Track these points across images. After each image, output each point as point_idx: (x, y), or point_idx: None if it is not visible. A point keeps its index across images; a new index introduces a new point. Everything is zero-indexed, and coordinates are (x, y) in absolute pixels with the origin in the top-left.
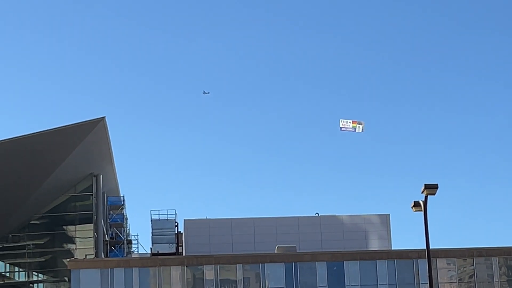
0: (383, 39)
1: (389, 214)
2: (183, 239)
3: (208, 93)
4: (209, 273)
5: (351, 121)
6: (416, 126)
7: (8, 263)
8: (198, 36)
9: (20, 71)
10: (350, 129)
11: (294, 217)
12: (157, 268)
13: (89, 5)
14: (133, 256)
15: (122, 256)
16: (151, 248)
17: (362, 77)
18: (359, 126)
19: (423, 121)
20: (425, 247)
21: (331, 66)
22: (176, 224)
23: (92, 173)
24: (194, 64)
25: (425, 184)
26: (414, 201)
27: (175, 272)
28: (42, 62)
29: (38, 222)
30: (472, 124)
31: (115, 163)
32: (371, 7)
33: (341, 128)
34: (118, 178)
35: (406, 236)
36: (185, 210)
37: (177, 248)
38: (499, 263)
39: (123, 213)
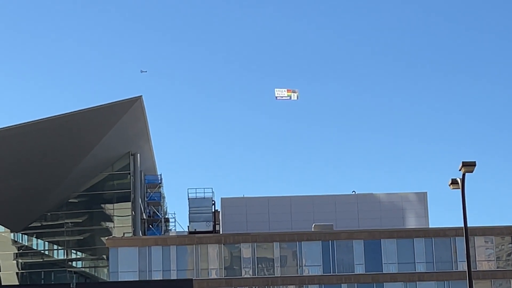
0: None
1: (426, 192)
2: (220, 217)
3: (146, 71)
4: (246, 251)
5: (285, 90)
6: (455, 102)
7: (47, 241)
8: (238, 13)
9: (57, 51)
10: (285, 98)
11: (331, 195)
12: (194, 246)
13: None
14: (170, 234)
15: (159, 234)
16: (188, 226)
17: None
18: (294, 94)
19: (461, 97)
20: (463, 225)
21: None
22: (213, 202)
23: (129, 151)
24: (229, 40)
25: (462, 162)
26: (452, 179)
27: (212, 250)
28: (79, 41)
29: (76, 201)
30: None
31: (152, 141)
32: None
33: (276, 97)
34: (155, 157)
35: (443, 214)
36: (222, 188)
37: (214, 226)
38: None
39: (160, 192)
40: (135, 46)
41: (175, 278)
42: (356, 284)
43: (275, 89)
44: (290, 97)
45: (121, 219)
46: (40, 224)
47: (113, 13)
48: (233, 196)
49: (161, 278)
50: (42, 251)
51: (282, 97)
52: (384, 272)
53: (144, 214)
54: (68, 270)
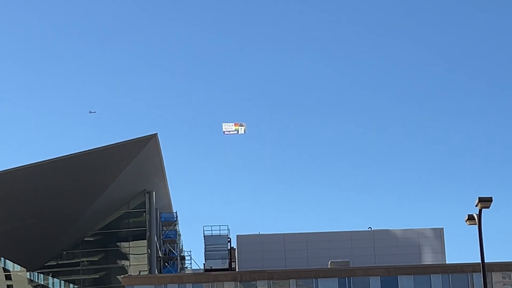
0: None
1: (443, 228)
2: (236, 254)
3: (94, 112)
4: None
5: (233, 124)
6: (472, 138)
7: (62, 280)
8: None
9: (73, 89)
10: (233, 132)
11: (347, 231)
12: (210, 283)
13: (141, 22)
14: (186, 272)
15: (175, 272)
16: (204, 264)
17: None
18: (241, 128)
19: (478, 132)
20: (480, 261)
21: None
22: (229, 239)
23: (145, 189)
24: (243, 77)
25: (479, 197)
26: (468, 215)
27: None
28: (94, 79)
29: (92, 239)
30: None
31: (167, 179)
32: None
33: (224, 132)
34: (170, 194)
35: (460, 250)
36: (237, 225)
37: (230, 264)
38: None
39: (176, 229)
40: (150, 84)
41: None
42: None
43: (223, 124)
44: (238, 131)
45: (137, 257)
46: (56, 263)
47: (127, 51)
48: (248, 233)
49: None
50: None
51: (229, 131)
52: None
53: (160, 252)
54: None
